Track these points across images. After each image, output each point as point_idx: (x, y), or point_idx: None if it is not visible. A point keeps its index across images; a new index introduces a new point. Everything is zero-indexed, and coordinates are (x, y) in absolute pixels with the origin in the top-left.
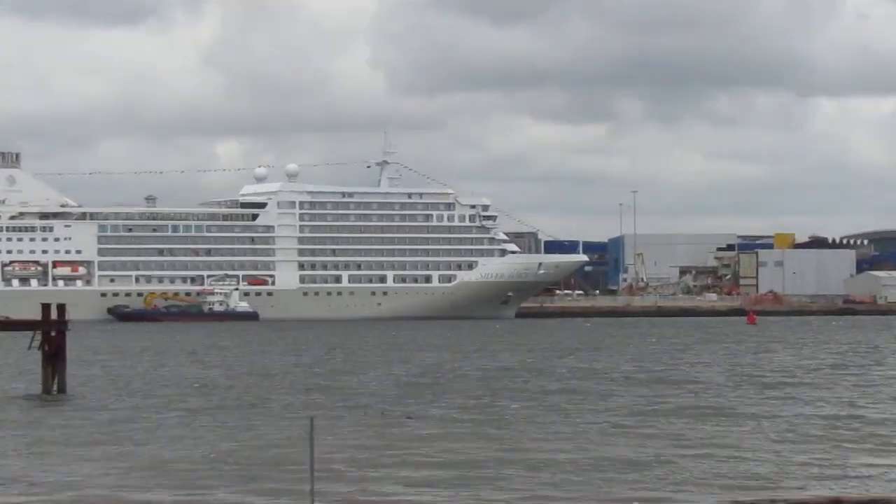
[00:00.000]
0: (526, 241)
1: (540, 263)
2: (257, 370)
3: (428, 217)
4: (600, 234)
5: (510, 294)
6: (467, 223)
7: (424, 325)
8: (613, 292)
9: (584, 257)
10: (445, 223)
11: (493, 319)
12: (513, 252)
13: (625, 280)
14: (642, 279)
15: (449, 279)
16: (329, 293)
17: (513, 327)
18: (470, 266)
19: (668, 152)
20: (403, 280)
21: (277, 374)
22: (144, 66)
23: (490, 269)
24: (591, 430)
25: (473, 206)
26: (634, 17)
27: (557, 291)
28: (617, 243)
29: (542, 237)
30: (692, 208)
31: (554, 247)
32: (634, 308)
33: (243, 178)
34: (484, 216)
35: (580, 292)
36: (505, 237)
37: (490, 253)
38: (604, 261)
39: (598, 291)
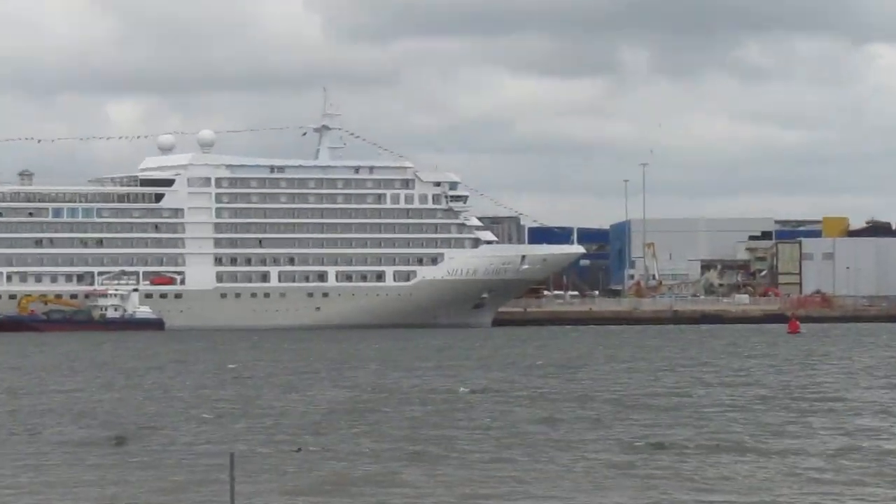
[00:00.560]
0: (505, 227)
1: (523, 257)
2: (155, 393)
3: (380, 198)
4: (600, 219)
5: (485, 296)
6: (430, 205)
7: (375, 335)
8: (617, 293)
9: (579, 249)
10: (402, 205)
11: (464, 328)
12: (488, 242)
13: (632, 278)
14: (654, 276)
15: (407, 277)
16: (254, 295)
17: (488, 338)
18: (434, 260)
19: (686, 114)
20: (349, 278)
21: (180, 398)
22: (16, 6)
23: (459, 263)
24: (577, 471)
25: (438, 184)
26: None
27: (546, 292)
28: (621, 231)
29: (526, 223)
30: (717, 186)
31: (541, 235)
32: (644, 313)
33: (144, 149)
34: (451, 196)
35: (574, 293)
36: (478, 223)
37: (459, 243)
38: (605, 253)
39: (597, 292)
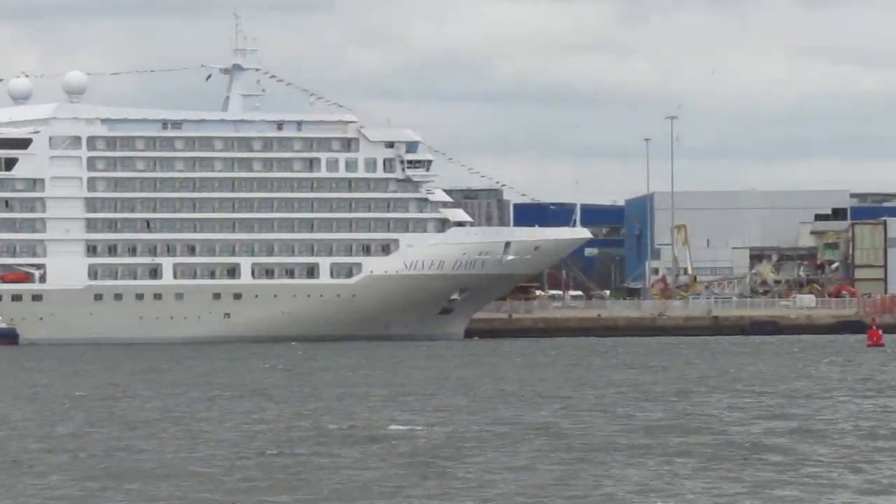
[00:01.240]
0: (482, 204)
1: (507, 244)
2: None
3: (311, 163)
4: (612, 193)
5: (455, 297)
6: (379, 174)
7: (304, 350)
8: (636, 293)
9: (583, 233)
10: (341, 174)
11: (426, 341)
12: (460, 224)
13: (655, 272)
14: (685, 270)
15: (348, 272)
16: (140, 296)
17: (459, 355)
18: (385, 248)
19: (726, 49)
20: (269, 273)
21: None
22: None
23: (420, 253)
24: None
25: (390, 145)
26: None
27: (539, 293)
28: (641, 208)
29: (511, 198)
30: (770, 147)
31: (531, 214)
32: (672, 321)
33: None
34: (409, 162)
35: (577, 294)
36: (445, 198)
37: (420, 225)
38: (618, 239)
39: (608, 292)
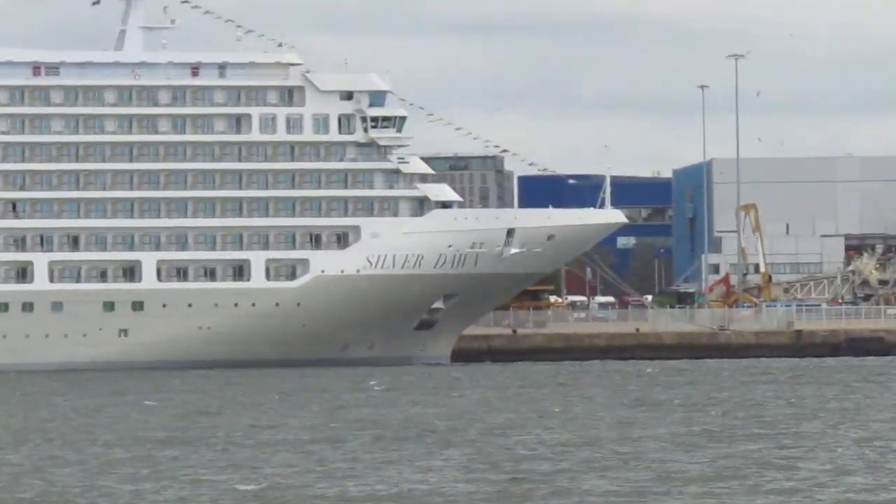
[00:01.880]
0: (475, 177)
1: (510, 231)
2: None
3: (239, 122)
4: (655, 161)
5: (438, 306)
6: (334, 135)
7: (231, 381)
8: (688, 298)
9: (616, 216)
10: (281, 136)
11: (398, 366)
12: (445, 204)
13: (715, 270)
14: (757, 267)
15: (291, 271)
16: (4, 307)
17: (445, 387)
18: (341, 239)
19: None
20: (181, 274)
21: None
22: None
23: (390, 244)
24: None
25: (348, 96)
26: None
27: (555, 300)
28: (695, 182)
29: (515, 167)
30: (871, 99)
31: (543, 191)
32: (741, 337)
33: None
34: (374, 119)
35: (607, 300)
36: (426, 168)
37: (389, 207)
38: (663, 225)
39: (649, 297)
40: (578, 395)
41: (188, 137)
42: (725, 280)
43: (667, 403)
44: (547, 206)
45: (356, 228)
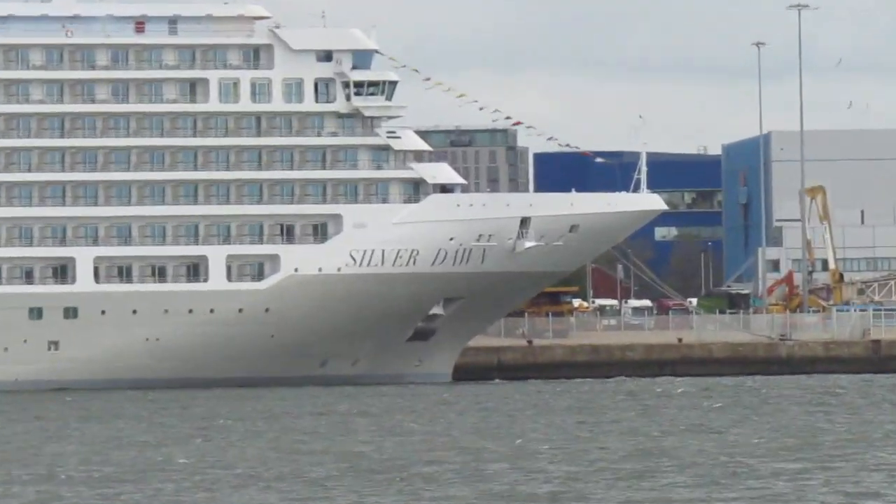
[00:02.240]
0: (482, 155)
1: (524, 221)
2: None
3: (194, 88)
4: (700, 135)
5: (437, 311)
6: (309, 104)
7: (184, 404)
8: (742, 301)
9: (653, 202)
10: (245, 105)
11: (389, 384)
12: (445, 188)
13: (775, 267)
14: (826, 263)
15: (258, 270)
16: None
17: (431, 415)
18: (318, 230)
19: None
20: (124, 274)
21: None
22: None
23: (378, 237)
24: None
25: (327, 56)
26: None
27: (579, 304)
28: (750, 160)
29: (531, 143)
30: None
31: (563, 171)
32: (806, 349)
33: None
34: (359, 84)
35: (642, 304)
36: (422, 144)
37: (377, 191)
38: (712, 211)
39: (694, 301)
40: (596, 425)
41: (132, 107)
42: (787, 279)
43: (707, 431)
44: (569, 190)
45: (337, 218)
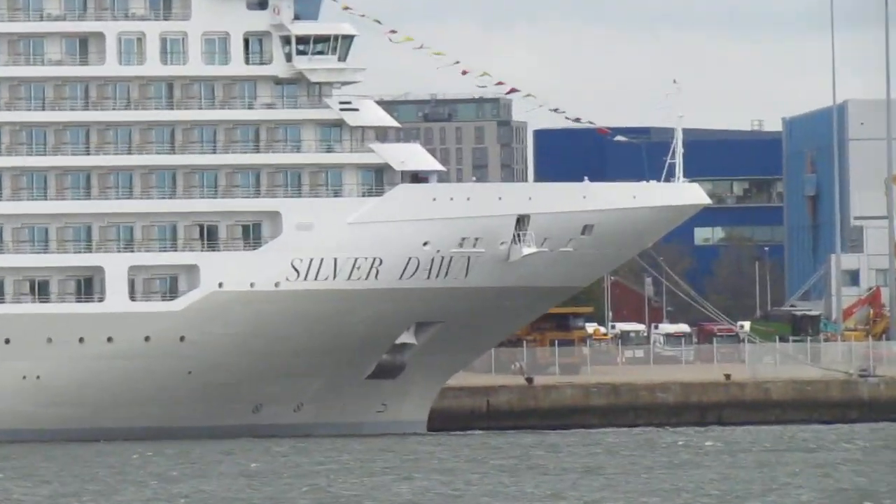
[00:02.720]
0: (465, 133)
1: (521, 220)
2: None
3: (86, 45)
4: (752, 106)
5: (407, 341)
6: (239, 67)
7: (63, 462)
8: (810, 325)
9: (693, 194)
10: (155, 68)
11: (342, 436)
12: (418, 177)
13: (853, 280)
14: None
15: (170, 285)
16: None
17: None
18: (249, 232)
19: None
20: None
21: None
22: None
23: (327, 242)
24: None
25: (260, 3)
26: None
27: (594, 329)
28: (821, 139)
29: (529, 117)
30: None
31: (570, 150)
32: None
33: None
34: (307, 39)
35: (679, 330)
36: (386, 118)
37: (328, 180)
38: (769, 206)
39: (746, 325)
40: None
41: (2, 71)
42: (874, 297)
43: None
44: (581, 179)
45: (274, 216)
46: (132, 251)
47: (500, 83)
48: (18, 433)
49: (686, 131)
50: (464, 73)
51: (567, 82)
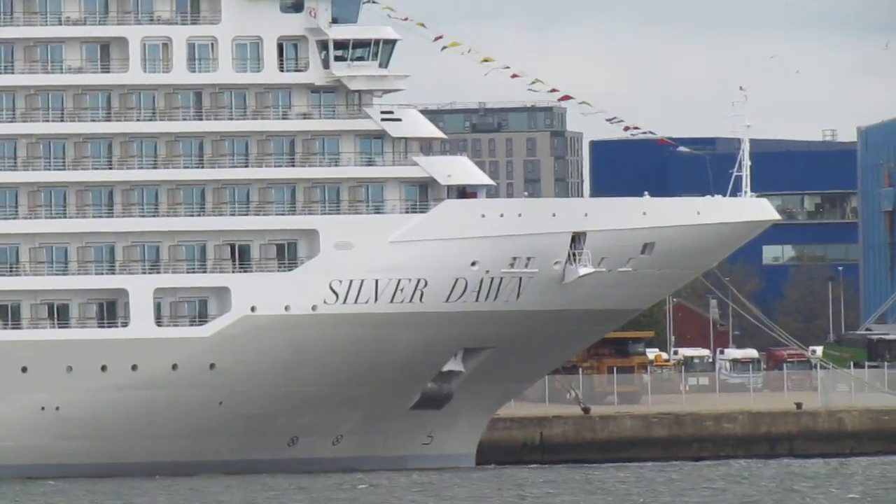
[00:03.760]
0: (516, 144)
1: (577, 237)
2: None
3: (108, 50)
4: (825, 116)
5: (455, 368)
6: (272, 74)
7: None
8: (885, 350)
9: (763, 210)
10: (182, 76)
11: (386, 471)
12: (465, 192)
13: None
14: None
15: (200, 309)
16: None
17: None
18: (285, 252)
19: None
20: (8, 315)
21: None
22: None
23: (368, 263)
24: None
25: (296, 5)
26: None
27: (656, 355)
28: None
29: (586, 128)
30: None
31: (630, 162)
32: None
33: None
34: (346, 44)
35: (749, 355)
36: (432, 130)
37: (369, 195)
38: (842, 222)
39: (818, 350)
40: None
41: (16, 79)
42: None
43: None
44: (641, 194)
45: (311, 234)
46: (158, 272)
47: (553, 90)
48: (36, 469)
49: (754, 142)
50: (514, 76)
51: (626, 89)
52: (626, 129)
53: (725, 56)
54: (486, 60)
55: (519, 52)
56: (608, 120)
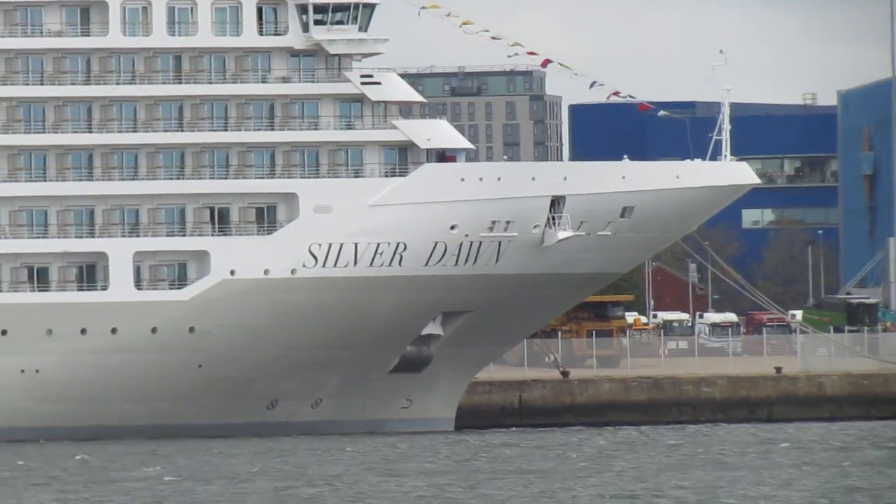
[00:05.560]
0: (495, 107)
1: (555, 201)
2: None
3: (87, 14)
4: (805, 80)
5: (433, 331)
6: (251, 38)
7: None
8: (867, 314)
9: (741, 174)
10: (162, 40)
11: (366, 433)
12: (445, 154)
13: None
14: None
15: (179, 272)
16: None
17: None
18: (264, 216)
19: None
20: None
21: None
22: None
23: (347, 226)
24: None
25: None
26: None
27: (635, 319)
28: (878, 110)
29: (564, 91)
30: None
31: (609, 126)
32: None
33: None
34: (325, 8)
35: (727, 319)
36: (411, 94)
37: (348, 159)
38: (822, 186)
39: (797, 314)
40: None
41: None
42: None
43: None
44: (620, 157)
45: (290, 199)
46: (137, 236)
47: (532, 53)
48: (16, 431)
49: (734, 106)
50: (493, 38)
51: (605, 53)
52: (612, 94)
53: (703, 18)
54: (465, 24)
55: (498, 17)
56: (588, 84)
